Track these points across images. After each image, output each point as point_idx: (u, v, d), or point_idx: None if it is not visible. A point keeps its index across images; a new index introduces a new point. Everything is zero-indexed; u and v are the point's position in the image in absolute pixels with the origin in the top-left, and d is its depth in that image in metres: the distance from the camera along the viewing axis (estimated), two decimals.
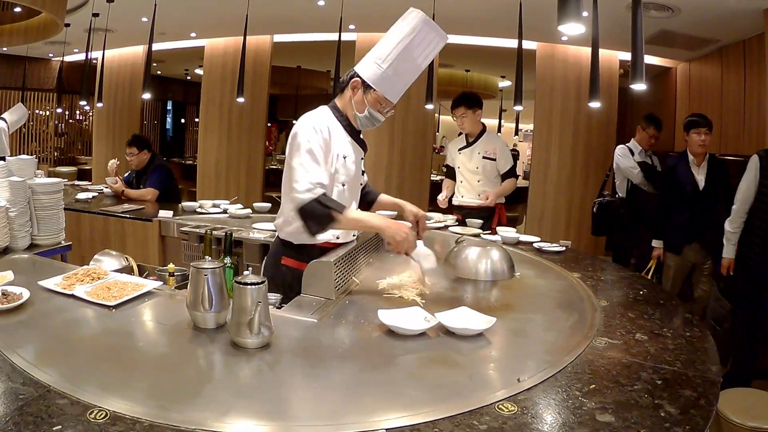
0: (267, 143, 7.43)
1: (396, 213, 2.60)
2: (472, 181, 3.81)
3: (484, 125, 3.85)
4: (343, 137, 2.00)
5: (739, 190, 3.24)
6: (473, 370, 1.37)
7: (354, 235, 2.20)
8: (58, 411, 1.04)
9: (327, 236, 2.04)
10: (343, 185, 2.02)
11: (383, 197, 2.41)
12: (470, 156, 3.79)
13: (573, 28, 1.96)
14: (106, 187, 4.64)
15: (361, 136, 2.12)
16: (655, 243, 3.76)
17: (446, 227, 3.38)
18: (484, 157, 3.75)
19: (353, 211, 1.95)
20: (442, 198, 3.92)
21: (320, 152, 1.90)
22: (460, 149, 3.86)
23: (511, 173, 3.81)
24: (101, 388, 1.13)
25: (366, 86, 1.95)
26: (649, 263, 3.79)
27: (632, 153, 4.24)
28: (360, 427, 1.06)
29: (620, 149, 4.29)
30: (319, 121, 1.95)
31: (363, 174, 2.23)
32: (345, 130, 2.02)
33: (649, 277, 3.65)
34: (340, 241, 2.12)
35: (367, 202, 2.36)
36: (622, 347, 1.54)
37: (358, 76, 1.96)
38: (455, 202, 3.94)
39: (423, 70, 2.01)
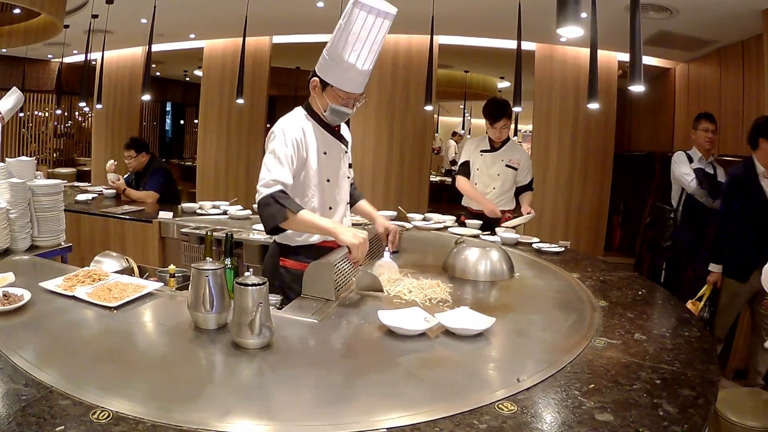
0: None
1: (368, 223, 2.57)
2: (487, 187, 3.74)
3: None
4: (319, 134, 2.03)
5: None
6: (473, 370, 1.38)
7: None
8: (60, 411, 1.04)
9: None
10: (328, 180, 2.04)
11: (362, 203, 2.40)
12: (493, 161, 3.71)
13: (572, 31, 1.96)
14: (107, 188, 4.64)
15: (342, 132, 2.14)
16: (712, 267, 3.21)
17: (446, 228, 3.38)
18: (507, 165, 3.69)
19: (307, 213, 1.91)
20: (493, 207, 3.58)
21: (285, 153, 1.91)
22: (482, 151, 3.75)
23: (530, 185, 3.78)
24: (103, 388, 1.14)
25: (323, 83, 1.96)
26: (702, 289, 3.21)
27: (691, 160, 3.73)
28: (361, 426, 1.07)
29: (677, 155, 3.81)
30: (290, 122, 1.98)
31: (351, 167, 2.24)
32: (321, 127, 2.04)
33: (701, 305, 3.11)
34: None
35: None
36: (621, 347, 1.54)
37: (315, 74, 1.98)
38: (464, 202, 3.90)
39: (375, 53, 1.94)
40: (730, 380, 3.46)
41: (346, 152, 2.17)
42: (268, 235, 1.99)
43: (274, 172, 1.88)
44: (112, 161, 4.60)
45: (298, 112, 2.06)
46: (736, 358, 3.56)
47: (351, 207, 2.34)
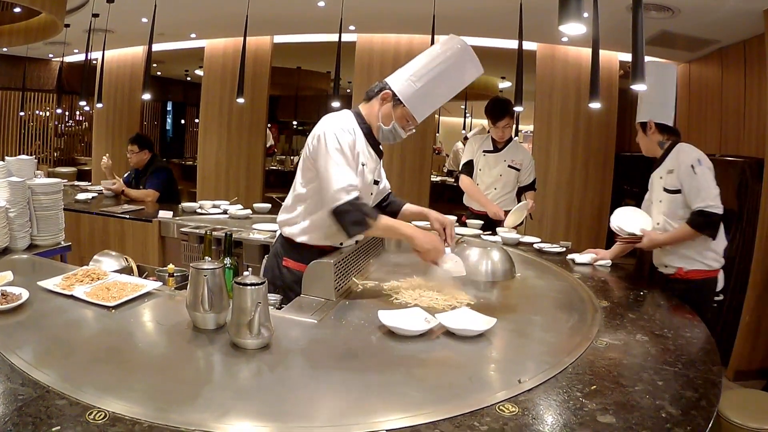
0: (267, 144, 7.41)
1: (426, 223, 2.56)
2: (488, 187, 3.72)
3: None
4: (364, 145, 1.98)
5: None
6: (474, 371, 1.37)
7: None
8: (57, 412, 1.04)
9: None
10: None
11: (408, 207, 2.33)
12: (495, 162, 3.70)
13: (574, 29, 1.95)
14: (107, 189, 4.64)
15: (380, 147, 2.10)
16: None
17: None
18: (509, 166, 3.68)
19: (385, 218, 1.92)
20: (496, 210, 3.49)
21: (350, 153, 1.89)
22: (485, 151, 3.73)
23: (533, 185, 3.77)
24: (100, 388, 1.13)
25: (396, 100, 1.93)
26: None
27: None
28: (361, 428, 1.06)
29: None
30: (345, 123, 1.93)
31: (378, 184, 2.18)
32: (366, 138, 2.00)
33: None
34: (341, 245, 2.11)
35: (390, 212, 2.27)
36: (622, 348, 1.53)
37: (390, 88, 1.95)
38: (465, 202, 3.88)
39: (451, 97, 2.00)
40: (731, 381, 3.45)
41: (376, 167, 2.12)
42: (349, 237, 1.96)
43: (347, 176, 1.85)
44: (107, 159, 4.59)
45: (349, 115, 1.99)
46: (737, 359, 3.55)
47: (397, 215, 2.29)
